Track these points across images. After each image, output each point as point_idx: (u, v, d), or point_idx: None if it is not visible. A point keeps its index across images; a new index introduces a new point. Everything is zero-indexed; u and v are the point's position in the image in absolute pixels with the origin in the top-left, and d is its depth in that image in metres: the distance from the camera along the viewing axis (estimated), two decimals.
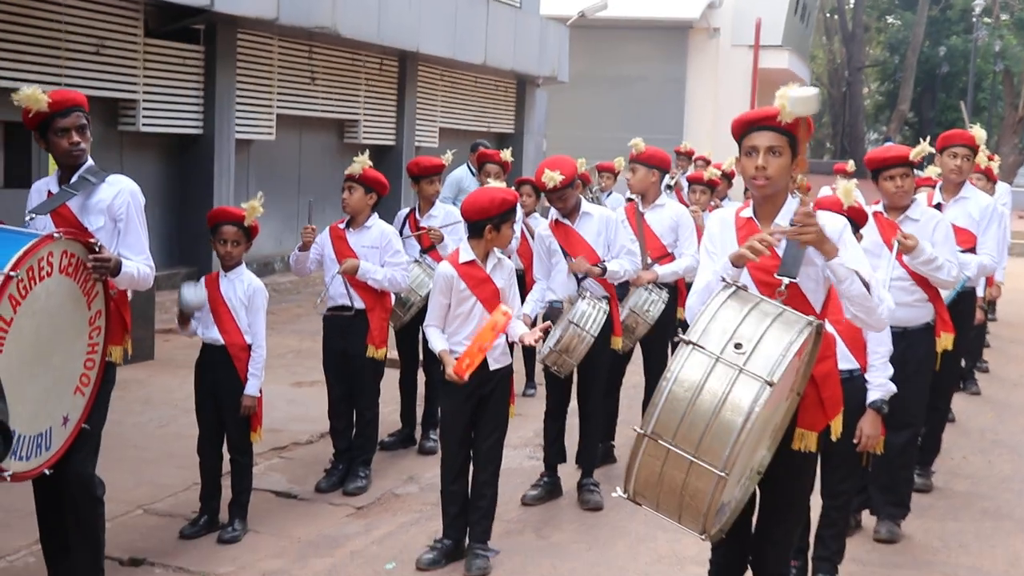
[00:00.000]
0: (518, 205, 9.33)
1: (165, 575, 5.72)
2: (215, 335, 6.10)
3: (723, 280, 3.84)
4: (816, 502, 5.59)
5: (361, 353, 7.03)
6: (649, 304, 7.39)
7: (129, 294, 5.40)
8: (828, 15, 55.60)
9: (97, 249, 4.68)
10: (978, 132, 7.05)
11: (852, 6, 54.04)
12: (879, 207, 6.20)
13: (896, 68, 54.04)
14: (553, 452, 7.05)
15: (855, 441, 4.84)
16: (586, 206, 6.91)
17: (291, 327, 12.48)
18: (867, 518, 6.54)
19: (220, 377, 6.13)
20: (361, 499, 6.92)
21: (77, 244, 4.65)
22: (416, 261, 7.66)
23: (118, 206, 4.95)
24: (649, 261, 7.55)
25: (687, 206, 8.84)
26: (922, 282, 6.16)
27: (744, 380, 3.51)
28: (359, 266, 6.90)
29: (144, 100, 13.50)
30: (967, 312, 7.32)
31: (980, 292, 8.39)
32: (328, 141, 17.56)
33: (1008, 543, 6.51)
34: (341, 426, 7.22)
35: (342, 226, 7.08)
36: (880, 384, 5.27)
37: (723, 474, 3.45)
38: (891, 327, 5.91)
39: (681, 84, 32.09)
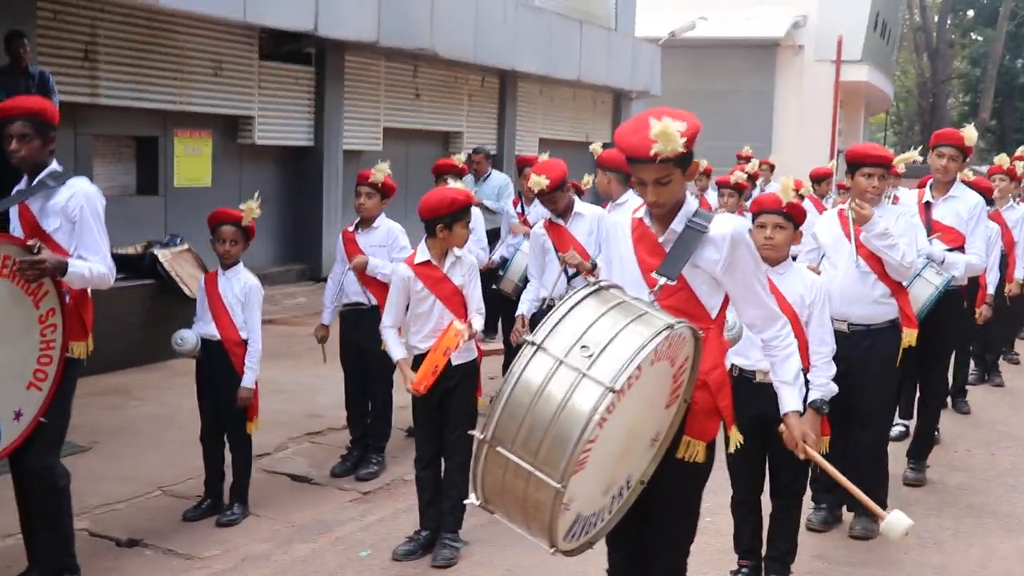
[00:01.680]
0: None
1: (154, 556, 5.20)
2: (212, 331, 5.55)
3: (587, 280, 3.12)
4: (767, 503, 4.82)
5: (373, 346, 6.40)
6: None
7: None
8: (916, 33, 53.07)
9: (35, 252, 4.16)
10: (968, 132, 6.06)
11: (936, 24, 51.67)
12: (844, 206, 5.31)
13: (978, 80, 51.32)
14: None
15: None
16: (579, 206, 6.16)
17: None
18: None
19: (217, 370, 5.57)
20: (370, 484, 6.32)
21: (13, 247, 4.13)
22: None
23: (72, 208, 4.39)
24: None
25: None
26: (884, 276, 5.22)
27: (586, 386, 2.74)
28: (367, 262, 6.30)
29: (260, 116, 13.27)
30: (954, 310, 6.22)
31: (991, 289, 7.41)
32: (433, 151, 16.85)
33: (985, 542, 5.50)
34: (356, 414, 6.64)
35: (351, 228, 6.49)
36: (821, 384, 4.38)
37: (559, 486, 2.70)
38: (856, 325, 5.14)
39: (769, 97, 30.66)
